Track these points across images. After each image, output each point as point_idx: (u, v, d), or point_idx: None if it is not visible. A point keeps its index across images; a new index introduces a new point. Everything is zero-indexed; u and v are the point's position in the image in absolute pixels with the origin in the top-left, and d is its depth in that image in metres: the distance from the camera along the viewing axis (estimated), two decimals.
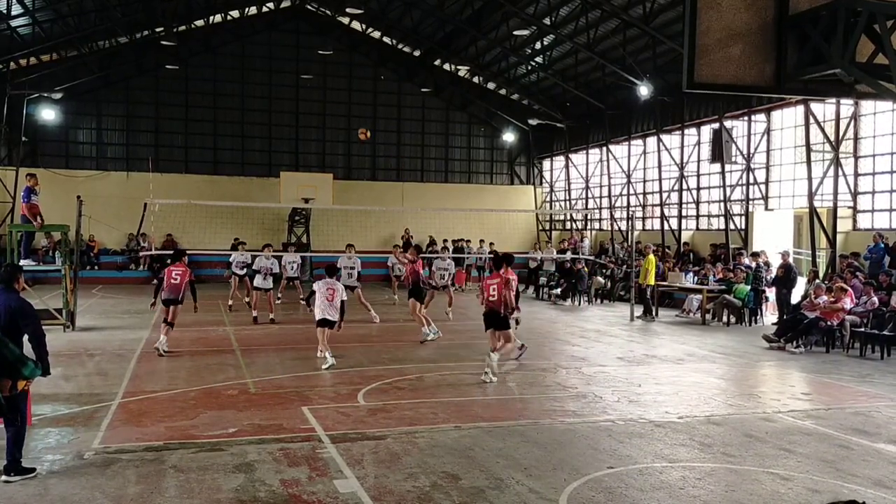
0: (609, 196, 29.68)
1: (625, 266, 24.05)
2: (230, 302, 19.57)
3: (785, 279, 17.64)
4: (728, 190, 22.63)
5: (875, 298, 14.57)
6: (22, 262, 15.02)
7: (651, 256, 20.06)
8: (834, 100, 17.51)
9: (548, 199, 35.03)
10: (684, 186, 25.01)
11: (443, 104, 34.43)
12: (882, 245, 16.89)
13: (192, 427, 8.22)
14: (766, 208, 22.06)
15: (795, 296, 17.53)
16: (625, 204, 28.07)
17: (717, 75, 6.17)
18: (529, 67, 30.24)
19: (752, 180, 22.16)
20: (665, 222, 25.71)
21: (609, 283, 24.52)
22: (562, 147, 32.92)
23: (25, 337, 6.86)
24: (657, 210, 26.63)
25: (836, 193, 18.67)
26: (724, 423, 8.77)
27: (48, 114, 28.85)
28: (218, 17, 31.05)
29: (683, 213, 25.15)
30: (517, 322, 13.12)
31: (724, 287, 18.81)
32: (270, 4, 31.58)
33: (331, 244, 26.54)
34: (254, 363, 12.15)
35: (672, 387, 10.79)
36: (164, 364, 12.02)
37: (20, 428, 6.54)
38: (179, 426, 8.24)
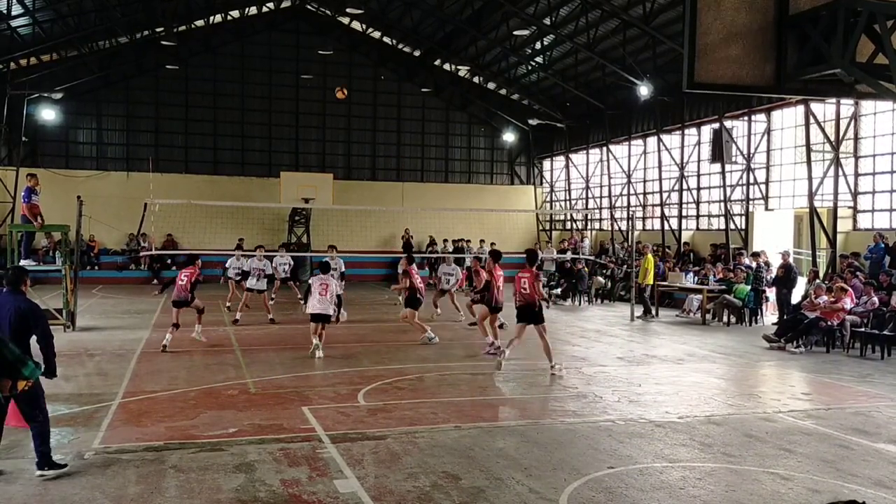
0: (609, 196, 29.67)
1: (625, 266, 24.05)
2: (228, 304, 19.59)
3: (785, 279, 17.64)
4: (728, 190, 22.63)
5: (875, 298, 14.56)
6: (22, 262, 15.07)
7: (649, 256, 20.07)
8: (834, 100, 17.52)
9: (548, 199, 35.02)
10: (684, 186, 25.00)
11: (443, 104, 34.43)
12: (882, 245, 16.90)
13: (193, 427, 8.22)
14: (767, 208, 22.06)
15: (796, 296, 17.53)
16: (625, 204, 28.09)
17: (717, 75, 6.17)
18: (529, 67, 30.24)
19: (752, 180, 22.16)
20: (665, 222, 25.71)
21: (609, 283, 24.52)
22: (562, 147, 32.92)
23: (33, 339, 6.88)
24: (657, 210, 26.63)
25: (836, 193, 18.67)
26: (724, 423, 8.77)
27: (48, 114, 28.86)
28: (218, 17, 31.05)
29: (684, 213, 25.15)
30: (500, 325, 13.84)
31: (724, 287, 18.82)
32: (270, 4, 31.58)
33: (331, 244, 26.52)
34: (254, 363, 12.15)
35: (672, 387, 10.79)
36: (164, 364, 12.02)
37: (44, 423, 6.68)
38: (179, 426, 8.24)
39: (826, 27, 6.17)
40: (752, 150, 22.24)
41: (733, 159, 21.83)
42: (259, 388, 10.31)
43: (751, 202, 22.26)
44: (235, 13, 31.24)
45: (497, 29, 27.50)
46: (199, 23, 30.79)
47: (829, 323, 14.22)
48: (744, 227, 22.42)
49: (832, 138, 18.93)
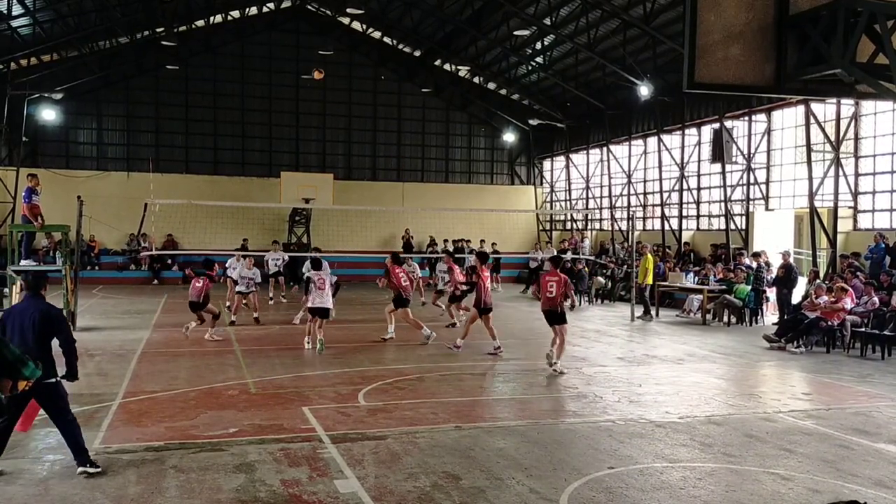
0: (609, 196, 29.66)
1: (625, 266, 24.05)
2: (227, 303, 19.57)
3: (785, 279, 17.63)
4: (728, 190, 22.63)
5: (876, 298, 14.56)
6: (22, 263, 15.08)
7: (649, 256, 20.07)
8: (834, 100, 17.52)
9: (548, 199, 35.02)
10: (685, 186, 25.01)
11: (443, 104, 34.43)
12: (883, 245, 16.90)
13: (193, 427, 8.22)
14: (767, 208, 22.06)
15: (796, 296, 17.53)
16: (625, 204, 28.09)
17: (717, 75, 6.17)
18: (530, 67, 30.24)
19: (752, 180, 22.16)
20: (665, 222, 25.71)
21: (609, 283, 24.53)
22: (562, 147, 32.92)
23: (55, 342, 6.85)
24: (658, 210, 26.63)
25: (836, 193, 18.67)
26: (724, 423, 8.77)
27: (48, 114, 28.87)
28: (218, 18, 31.06)
29: (684, 213, 25.15)
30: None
31: (724, 287, 18.81)
32: (270, 4, 31.59)
33: (331, 244, 26.57)
34: (254, 363, 12.15)
35: (672, 387, 10.79)
36: (164, 364, 12.02)
37: (74, 420, 6.79)
38: (180, 426, 8.24)
39: (826, 27, 6.17)
40: (753, 150, 22.24)
41: (734, 159, 21.83)
42: (259, 388, 10.31)
43: (751, 202, 22.27)
44: (235, 13, 31.25)
45: (497, 29, 27.50)
46: (200, 23, 30.80)
47: (829, 323, 14.22)
48: (744, 227, 22.42)
49: (832, 138, 18.93)
